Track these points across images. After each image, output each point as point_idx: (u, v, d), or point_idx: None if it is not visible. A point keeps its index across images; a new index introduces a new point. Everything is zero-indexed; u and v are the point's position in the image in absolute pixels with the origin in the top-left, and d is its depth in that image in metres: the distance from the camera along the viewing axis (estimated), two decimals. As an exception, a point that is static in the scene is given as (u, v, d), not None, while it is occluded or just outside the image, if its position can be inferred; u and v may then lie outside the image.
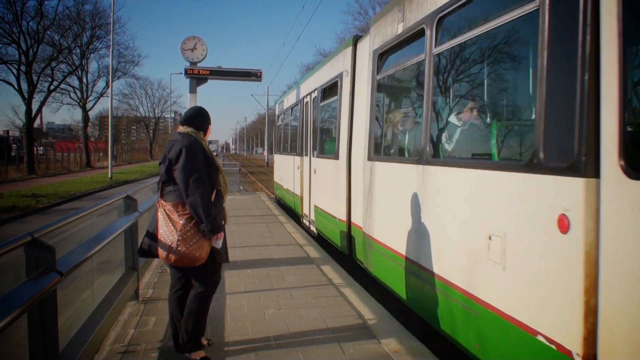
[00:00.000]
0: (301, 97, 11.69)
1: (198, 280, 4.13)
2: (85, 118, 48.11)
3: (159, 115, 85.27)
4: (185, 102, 12.87)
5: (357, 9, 54.47)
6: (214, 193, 4.06)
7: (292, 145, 13.32)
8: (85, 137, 48.91)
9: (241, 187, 24.14)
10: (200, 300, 4.11)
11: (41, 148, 50.08)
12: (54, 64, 40.55)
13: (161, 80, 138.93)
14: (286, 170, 14.14)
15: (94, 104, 54.61)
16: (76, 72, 44.66)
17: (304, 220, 11.43)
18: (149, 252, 4.22)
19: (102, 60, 48.17)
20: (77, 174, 38.07)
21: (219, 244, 4.05)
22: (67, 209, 16.79)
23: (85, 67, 46.15)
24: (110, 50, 33.18)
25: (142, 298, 5.80)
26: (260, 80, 12.47)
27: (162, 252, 3.95)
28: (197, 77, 11.61)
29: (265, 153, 63.57)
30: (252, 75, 12.29)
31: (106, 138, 48.67)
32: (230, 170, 27.87)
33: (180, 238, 3.83)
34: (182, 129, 4.13)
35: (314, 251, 8.48)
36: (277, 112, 18.37)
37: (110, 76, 33.34)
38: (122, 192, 5.85)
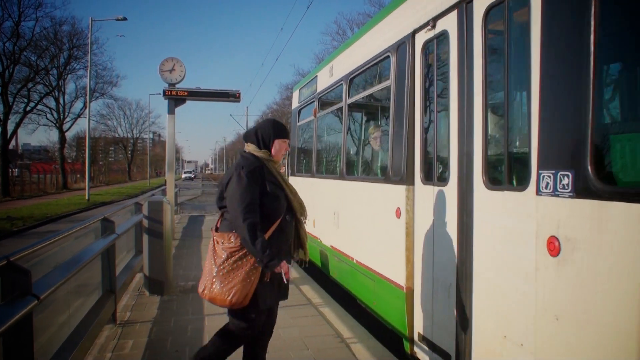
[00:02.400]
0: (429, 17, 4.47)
1: (231, 315, 3.57)
2: (62, 139, 47.64)
3: (137, 135, 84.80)
4: (164, 123, 12.81)
5: (335, 30, 55.30)
6: (277, 223, 3.51)
7: (359, 161, 7.12)
8: (62, 158, 48.32)
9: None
10: (223, 339, 3.58)
11: (16, 170, 49.28)
12: (30, 84, 40.22)
13: (139, 100, 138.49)
14: (334, 211, 7.28)
15: (71, 125, 54.28)
16: (53, 93, 44.31)
17: (419, 351, 4.68)
18: None
19: (79, 81, 47.77)
20: (53, 195, 37.59)
21: (284, 279, 3.43)
22: (43, 232, 16.54)
23: (62, 88, 45.82)
24: (88, 71, 33.05)
25: (119, 321, 5.74)
26: (238, 101, 12.37)
27: (200, 286, 3.51)
28: (175, 98, 11.56)
29: (244, 173, 64.63)
30: (230, 96, 12.18)
31: (83, 159, 48.08)
32: (209, 191, 27.74)
33: (216, 275, 3.38)
34: (246, 147, 3.67)
35: (292, 271, 8.44)
36: (297, 103, 10.71)
37: (87, 97, 33.18)
38: (99, 214, 5.83)
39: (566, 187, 2.81)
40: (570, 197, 2.79)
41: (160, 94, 11.59)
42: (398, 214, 4.91)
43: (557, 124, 2.95)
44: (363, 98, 6.71)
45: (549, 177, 2.95)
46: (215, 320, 5.70)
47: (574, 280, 2.76)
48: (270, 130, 3.63)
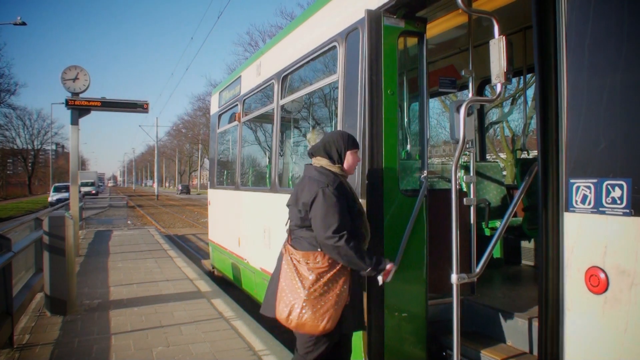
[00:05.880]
0: None
1: (302, 345, 3.33)
2: (-48, 151, 44.25)
3: (39, 147, 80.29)
4: (69, 133, 12.28)
5: (247, 41, 54.94)
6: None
7: (296, 171, 6.72)
8: (-48, 171, 44.80)
9: (129, 222, 23.21)
10: None
11: None
12: None
13: (41, 110, 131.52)
14: (265, 229, 6.39)
15: (-38, 136, 50.56)
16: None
17: None
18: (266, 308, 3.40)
19: (-29, 88, 44.72)
20: (-58, 212, 34.75)
21: (381, 282, 3.32)
22: None
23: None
24: (-18, 78, 31.01)
25: (17, 344, 5.40)
26: (146, 112, 12.06)
27: (281, 311, 3.19)
28: (79, 108, 11.10)
29: (155, 185, 61.76)
30: (138, 107, 11.85)
31: (-24, 173, 44.90)
32: (116, 204, 26.74)
33: (307, 298, 3.10)
34: (315, 162, 3.43)
35: (204, 285, 8.34)
36: (217, 107, 9.54)
37: (-19, 106, 31.04)
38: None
39: (618, 201, 2.16)
40: (624, 214, 2.14)
41: (63, 103, 11.10)
42: None
43: (602, 113, 2.24)
44: (301, 98, 5.88)
45: (588, 187, 2.29)
46: (122, 340, 5.50)
47: (633, 325, 2.11)
48: (341, 141, 3.38)
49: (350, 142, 3.42)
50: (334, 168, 3.35)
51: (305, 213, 3.23)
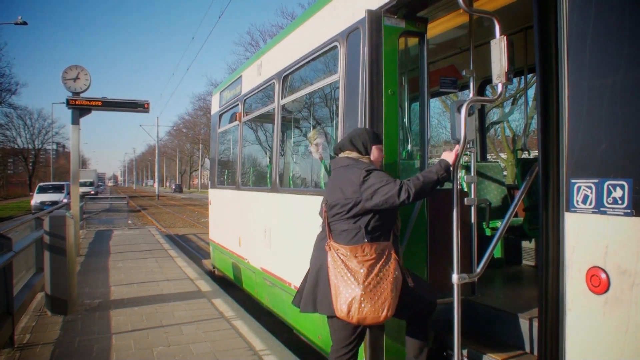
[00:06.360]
0: None
1: (407, 315, 3.53)
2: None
3: (40, 147, 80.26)
4: (69, 133, 12.29)
5: (248, 41, 54.40)
6: (392, 235, 3.39)
7: (298, 171, 6.78)
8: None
9: (130, 222, 23.21)
10: (419, 330, 3.55)
11: None
12: None
13: (42, 109, 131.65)
14: (266, 229, 6.40)
15: (-37, 136, 50.54)
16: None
17: None
18: (310, 306, 3.42)
19: (-28, 88, 44.70)
20: (-57, 211, 34.77)
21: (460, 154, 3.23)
22: None
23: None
24: (-17, 78, 30.98)
25: (17, 344, 5.40)
26: (147, 112, 12.05)
27: (340, 310, 3.16)
28: (80, 108, 11.11)
29: (156, 185, 61.76)
30: (138, 107, 11.86)
31: (-22, 172, 44.74)
32: (117, 205, 26.76)
33: (363, 292, 3.11)
34: (343, 155, 3.48)
35: (205, 285, 8.35)
36: (218, 107, 9.56)
37: (-18, 106, 30.99)
38: (-6, 231, 5.49)
39: (619, 202, 2.17)
40: (625, 214, 2.15)
41: (64, 103, 11.11)
42: None
43: (603, 113, 2.26)
44: (302, 98, 5.90)
45: (589, 187, 2.30)
46: (123, 339, 5.51)
47: (634, 326, 2.11)
48: (366, 135, 3.47)
49: (375, 137, 3.50)
50: (364, 159, 3.41)
51: (356, 198, 3.21)
